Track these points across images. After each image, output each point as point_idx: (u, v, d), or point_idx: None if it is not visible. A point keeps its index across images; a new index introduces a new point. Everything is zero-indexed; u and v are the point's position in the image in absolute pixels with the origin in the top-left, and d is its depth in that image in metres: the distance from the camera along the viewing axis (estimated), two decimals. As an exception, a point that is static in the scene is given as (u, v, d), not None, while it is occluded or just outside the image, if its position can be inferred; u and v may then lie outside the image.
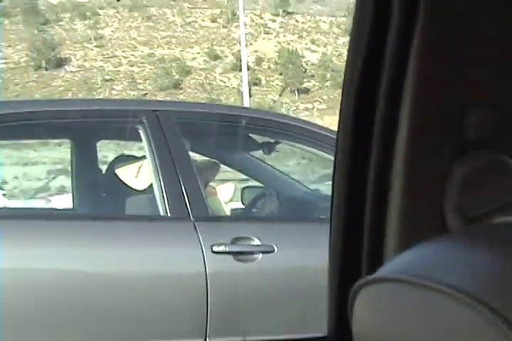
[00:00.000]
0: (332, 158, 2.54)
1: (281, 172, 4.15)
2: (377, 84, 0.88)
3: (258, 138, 3.76)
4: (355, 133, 0.92)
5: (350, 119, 0.92)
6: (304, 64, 49.20)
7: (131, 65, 48.35)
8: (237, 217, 3.76)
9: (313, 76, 48.65)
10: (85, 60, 48.46)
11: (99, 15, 53.09)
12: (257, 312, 3.11)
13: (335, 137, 1.09)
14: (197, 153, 3.81)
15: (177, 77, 47.02)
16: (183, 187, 3.16)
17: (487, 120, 0.86)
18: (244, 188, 3.97)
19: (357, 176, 0.92)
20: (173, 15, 54.08)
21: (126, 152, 4.29)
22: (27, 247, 3.01)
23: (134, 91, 43.70)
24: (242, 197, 3.89)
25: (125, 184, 3.40)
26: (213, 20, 53.53)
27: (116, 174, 3.49)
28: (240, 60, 48.05)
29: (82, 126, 3.54)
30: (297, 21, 54.80)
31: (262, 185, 4.02)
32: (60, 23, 52.05)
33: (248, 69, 47.40)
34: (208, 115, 3.54)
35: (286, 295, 3.15)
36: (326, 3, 56.82)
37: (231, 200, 3.65)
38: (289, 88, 46.51)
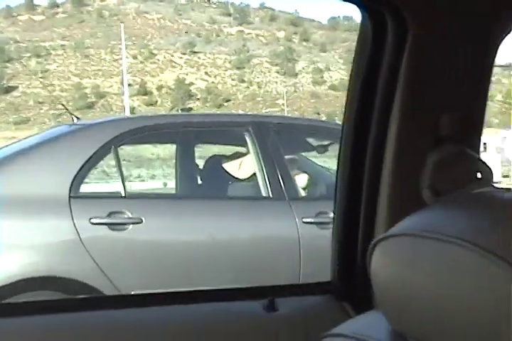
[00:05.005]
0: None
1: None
2: (373, 96, 1.08)
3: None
4: (356, 137, 1.12)
5: (352, 125, 1.11)
6: (192, 90, 59.51)
7: (62, 91, 57.72)
8: (316, 197, 4.14)
9: (198, 99, 58.89)
10: (28, 88, 58.31)
11: (50, 54, 63.63)
12: None
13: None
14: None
15: (94, 99, 57.50)
16: (279, 176, 3.75)
17: (454, 122, 1.06)
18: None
19: (356, 164, 1.14)
20: (106, 54, 63.64)
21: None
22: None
23: (56, 111, 51.21)
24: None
25: (229, 174, 4.08)
26: (134, 57, 62.72)
27: (215, 166, 4.18)
28: (145, 86, 59.22)
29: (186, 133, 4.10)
30: (199, 58, 64.80)
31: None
32: (21, 60, 62.32)
33: (147, 94, 58.68)
34: (293, 125, 4.31)
35: None
36: (226, 44, 67.22)
37: (306, 186, 4.17)
38: (175, 108, 54.97)
